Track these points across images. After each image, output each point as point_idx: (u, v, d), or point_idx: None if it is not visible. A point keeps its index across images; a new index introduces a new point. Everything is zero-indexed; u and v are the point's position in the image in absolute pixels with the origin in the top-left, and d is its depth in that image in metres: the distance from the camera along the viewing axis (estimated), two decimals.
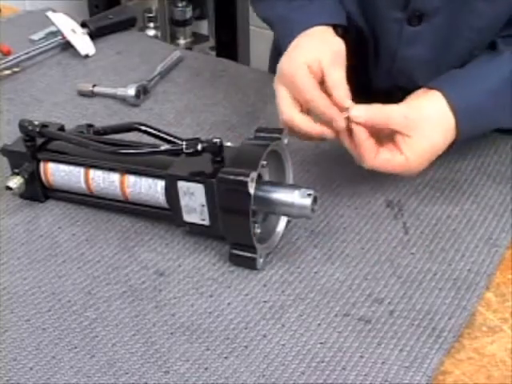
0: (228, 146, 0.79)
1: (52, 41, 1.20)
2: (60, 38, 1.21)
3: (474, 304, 0.73)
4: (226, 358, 0.69)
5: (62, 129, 0.88)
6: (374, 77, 0.99)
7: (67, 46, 1.21)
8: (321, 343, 0.69)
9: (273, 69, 1.20)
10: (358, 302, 0.73)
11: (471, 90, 0.83)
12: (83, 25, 1.23)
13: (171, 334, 0.71)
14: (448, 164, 0.91)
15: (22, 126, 0.86)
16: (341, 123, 0.79)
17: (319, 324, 0.71)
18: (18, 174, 0.86)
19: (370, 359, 0.67)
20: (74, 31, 1.21)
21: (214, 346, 0.70)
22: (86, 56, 1.19)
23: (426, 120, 0.80)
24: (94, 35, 1.23)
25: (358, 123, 0.78)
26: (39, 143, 0.87)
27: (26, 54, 1.16)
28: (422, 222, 0.83)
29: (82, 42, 1.20)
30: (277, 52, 1.20)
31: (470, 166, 0.92)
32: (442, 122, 0.81)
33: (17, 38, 1.26)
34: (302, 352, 0.69)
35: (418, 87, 0.83)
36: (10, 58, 1.14)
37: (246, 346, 0.70)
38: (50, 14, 1.25)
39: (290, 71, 0.83)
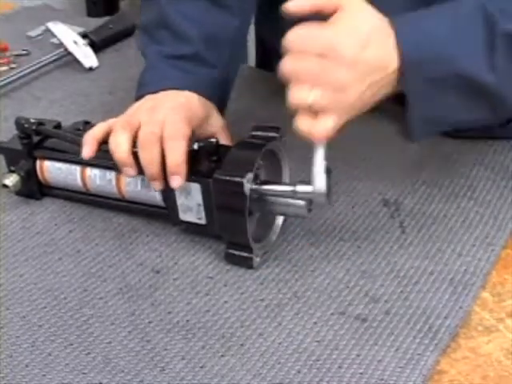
0: (224, 145, 0.79)
1: (54, 53, 1.19)
2: (62, 50, 1.19)
3: (470, 304, 0.73)
4: (222, 356, 0.68)
5: (58, 126, 0.88)
6: None
7: (69, 58, 1.19)
8: (317, 341, 0.69)
9: (260, 64, 1.21)
10: (354, 300, 0.73)
11: (421, 17, 0.72)
12: (84, 36, 1.22)
13: (167, 331, 0.71)
14: (444, 157, 0.92)
15: (19, 124, 0.85)
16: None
17: (315, 322, 0.71)
18: (14, 171, 0.86)
19: (365, 358, 0.67)
20: (75, 43, 1.20)
21: (210, 344, 0.70)
22: (90, 69, 1.17)
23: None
24: (96, 46, 1.21)
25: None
26: (35, 141, 0.86)
27: (28, 68, 1.15)
28: (418, 221, 0.83)
29: (85, 55, 1.19)
30: (262, 48, 1.21)
31: (466, 157, 0.92)
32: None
33: (14, 34, 1.25)
34: (298, 350, 0.69)
35: None
36: (12, 73, 1.13)
37: (242, 345, 0.70)
38: (50, 25, 1.24)
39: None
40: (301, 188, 0.74)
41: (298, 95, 0.69)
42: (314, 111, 0.69)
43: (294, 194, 0.74)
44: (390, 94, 0.73)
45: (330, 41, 0.69)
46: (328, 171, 0.72)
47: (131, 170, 0.77)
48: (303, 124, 0.70)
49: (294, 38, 0.70)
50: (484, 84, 0.72)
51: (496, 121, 0.88)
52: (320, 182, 0.72)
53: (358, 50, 0.69)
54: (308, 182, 0.73)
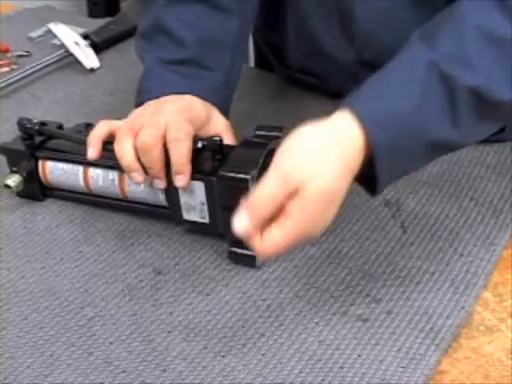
0: (228, 144, 0.79)
1: (55, 54, 1.19)
2: (63, 51, 1.20)
3: (472, 304, 0.73)
4: (223, 356, 0.69)
5: (60, 128, 0.88)
6: (336, 50, 0.96)
7: (70, 59, 1.20)
8: (318, 342, 0.69)
9: (259, 64, 1.21)
10: (355, 300, 0.73)
11: (383, 99, 0.68)
12: (85, 37, 1.22)
13: (169, 332, 0.71)
14: (445, 158, 0.92)
15: (21, 124, 0.86)
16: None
17: (317, 323, 0.71)
18: (16, 172, 0.86)
19: (367, 358, 0.67)
20: (77, 44, 1.20)
21: (211, 345, 0.70)
22: (92, 70, 1.17)
23: (304, 158, 0.64)
24: (98, 47, 1.21)
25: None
26: (38, 141, 0.86)
27: (30, 69, 1.15)
28: (419, 221, 0.83)
29: (86, 56, 1.18)
30: (259, 51, 1.21)
31: (468, 157, 0.92)
32: (331, 147, 0.65)
33: (15, 35, 1.26)
34: (300, 350, 0.69)
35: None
36: (13, 75, 1.13)
37: (243, 345, 0.70)
38: (51, 26, 1.24)
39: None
40: None
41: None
42: None
43: None
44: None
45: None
46: None
47: (139, 176, 0.78)
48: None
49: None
50: (451, 141, 0.71)
51: None
52: None
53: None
54: None
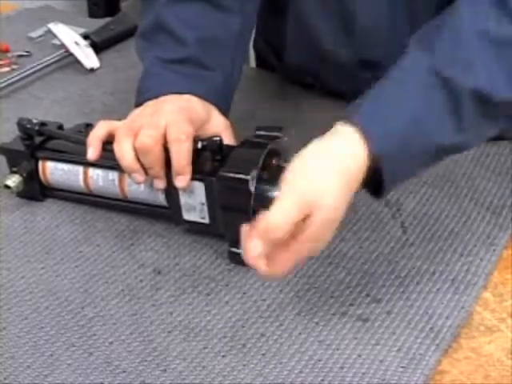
0: (228, 145, 0.79)
1: (55, 54, 1.19)
2: (63, 51, 1.19)
3: (472, 304, 0.73)
4: (223, 356, 0.69)
5: (60, 127, 0.88)
6: (337, 50, 0.96)
7: (70, 59, 1.19)
8: (318, 342, 0.69)
9: (259, 65, 1.21)
10: (355, 300, 0.73)
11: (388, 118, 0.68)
12: (85, 37, 1.22)
13: (169, 332, 0.71)
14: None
15: (21, 125, 0.86)
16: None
17: (317, 323, 0.71)
18: (16, 172, 0.86)
19: (367, 359, 0.67)
20: (77, 44, 1.20)
21: (211, 345, 0.70)
22: (92, 70, 1.17)
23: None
24: (98, 47, 1.21)
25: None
26: (38, 142, 0.86)
27: (30, 69, 1.15)
28: (420, 221, 0.83)
29: (86, 56, 1.18)
30: (259, 51, 1.21)
31: (468, 157, 0.92)
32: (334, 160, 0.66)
33: (15, 35, 1.26)
34: (300, 350, 0.69)
35: (382, 64, 0.72)
36: (13, 75, 1.13)
37: (243, 345, 0.70)
38: (52, 26, 1.24)
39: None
40: None
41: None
42: None
43: None
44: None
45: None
46: None
47: (140, 176, 0.78)
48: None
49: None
50: (456, 144, 0.72)
51: None
52: None
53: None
54: None
